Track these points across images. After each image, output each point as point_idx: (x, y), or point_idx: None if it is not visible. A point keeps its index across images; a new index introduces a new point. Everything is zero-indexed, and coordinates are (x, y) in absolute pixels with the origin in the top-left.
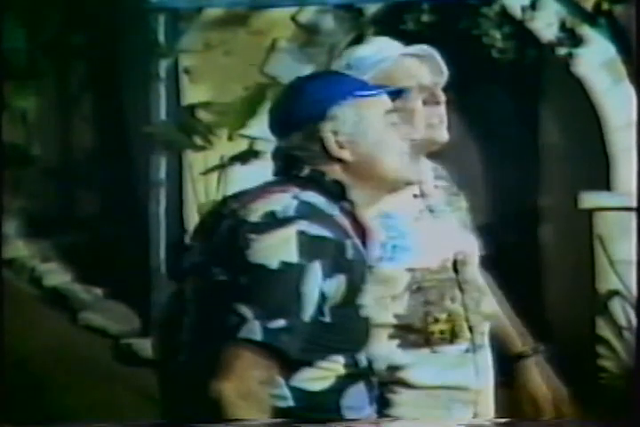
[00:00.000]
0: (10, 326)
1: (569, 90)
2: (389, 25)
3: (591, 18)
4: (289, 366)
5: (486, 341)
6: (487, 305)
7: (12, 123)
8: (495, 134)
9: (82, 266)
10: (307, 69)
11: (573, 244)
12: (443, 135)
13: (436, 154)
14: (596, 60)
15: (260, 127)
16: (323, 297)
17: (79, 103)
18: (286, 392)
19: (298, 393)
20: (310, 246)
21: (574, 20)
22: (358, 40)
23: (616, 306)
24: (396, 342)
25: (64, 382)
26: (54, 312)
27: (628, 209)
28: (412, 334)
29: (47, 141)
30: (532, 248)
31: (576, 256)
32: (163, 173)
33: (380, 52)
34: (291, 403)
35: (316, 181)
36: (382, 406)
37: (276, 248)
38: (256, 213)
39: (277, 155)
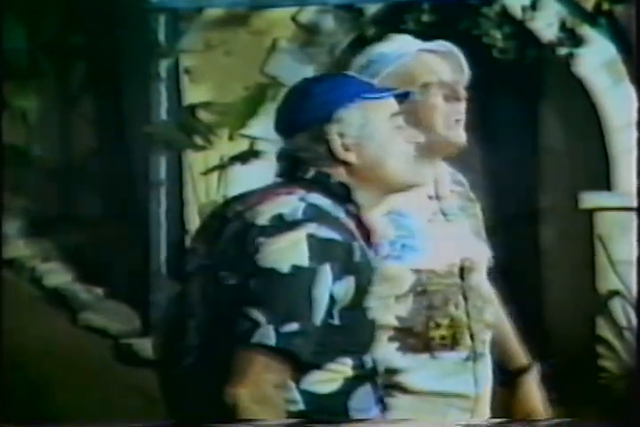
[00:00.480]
0: (10, 326)
1: (569, 90)
2: (390, 25)
3: (591, 18)
4: (300, 369)
5: (487, 350)
6: (490, 314)
7: (12, 123)
8: (495, 134)
9: (82, 266)
10: (307, 69)
11: (573, 244)
12: (461, 137)
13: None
14: (596, 60)
15: (260, 127)
16: (332, 300)
17: (79, 103)
18: (297, 396)
19: (307, 396)
20: (320, 249)
21: (575, 20)
22: (359, 40)
23: (616, 306)
24: (396, 345)
25: (64, 382)
26: (54, 312)
27: (628, 209)
28: (412, 338)
29: (47, 141)
30: (532, 248)
31: (576, 256)
32: (163, 173)
33: (401, 48)
34: (301, 407)
35: (322, 184)
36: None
37: (287, 252)
38: (263, 215)
39: (282, 156)
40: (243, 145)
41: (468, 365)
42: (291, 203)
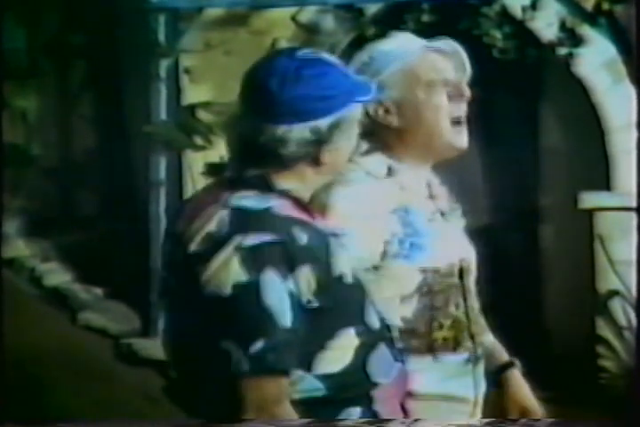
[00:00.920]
0: (10, 326)
1: (569, 90)
2: (390, 25)
3: (591, 18)
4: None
5: (482, 352)
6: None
7: (12, 123)
8: (495, 134)
9: (82, 266)
10: None
11: (573, 244)
12: (463, 142)
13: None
14: (596, 60)
15: None
16: (292, 296)
17: (79, 103)
18: (316, 383)
19: (326, 380)
20: (253, 259)
21: (575, 19)
22: (359, 40)
23: (616, 306)
24: (399, 347)
25: (64, 381)
26: (54, 312)
27: (628, 209)
28: (416, 339)
29: (47, 141)
30: (532, 248)
31: (576, 256)
32: (163, 173)
33: (404, 46)
34: (324, 391)
35: (238, 180)
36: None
37: (223, 273)
38: (196, 238)
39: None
40: None
41: (469, 367)
42: (216, 215)
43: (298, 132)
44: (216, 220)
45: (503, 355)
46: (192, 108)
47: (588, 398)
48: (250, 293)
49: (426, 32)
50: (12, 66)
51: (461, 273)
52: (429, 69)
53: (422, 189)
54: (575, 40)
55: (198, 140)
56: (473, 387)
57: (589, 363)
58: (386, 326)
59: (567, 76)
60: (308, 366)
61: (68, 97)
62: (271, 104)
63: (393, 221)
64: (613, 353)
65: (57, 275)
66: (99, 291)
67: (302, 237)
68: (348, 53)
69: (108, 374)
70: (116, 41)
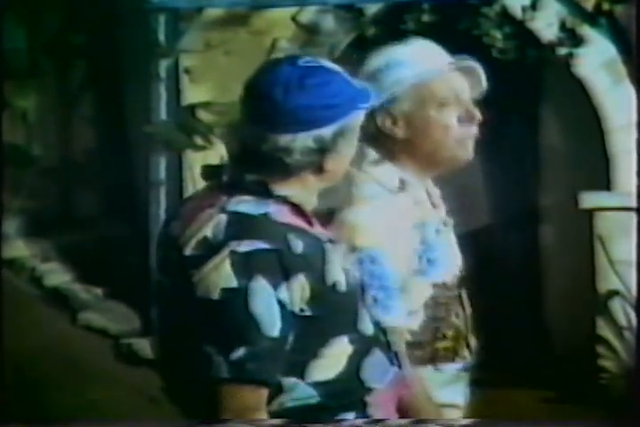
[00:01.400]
0: (10, 326)
1: (569, 90)
2: (390, 25)
3: (592, 18)
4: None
5: (474, 358)
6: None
7: (12, 123)
8: (495, 134)
9: (82, 266)
10: None
11: (573, 244)
12: (468, 154)
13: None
14: (596, 61)
15: None
16: (284, 305)
17: (79, 103)
18: (309, 391)
19: (320, 387)
20: (245, 265)
21: (575, 20)
22: (359, 40)
23: (616, 306)
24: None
25: (64, 381)
26: (54, 312)
27: (628, 209)
28: (419, 350)
29: (47, 141)
30: (532, 248)
31: (576, 256)
32: (163, 173)
33: (423, 59)
34: (318, 399)
35: (238, 185)
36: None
37: (214, 277)
38: (191, 242)
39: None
40: None
41: (463, 375)
42: (213, 220)
43: (301, 140)
44: (212, 224)
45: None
46: (192, 109)
47: (588, 398)
48: (238, 298)
49: (426, 32)
50: (12, 66)
51: (460, 282)
52: (445, 88)
53: (427, 201)
54: (575, 40)
55: (198, 141)
56: (463, 393)
57: (589, 363)
58: (381, 330)
59: (567, 76)
60: (301, 373)
61: (68, 97)
62: (275, 113)
63: (414, 237)
64: (613, 353)
65: (57, 275)
66: (99, 291)
67: (298, 245)
68: (348, 53)
69: (108, 374)
70: (116, 41)
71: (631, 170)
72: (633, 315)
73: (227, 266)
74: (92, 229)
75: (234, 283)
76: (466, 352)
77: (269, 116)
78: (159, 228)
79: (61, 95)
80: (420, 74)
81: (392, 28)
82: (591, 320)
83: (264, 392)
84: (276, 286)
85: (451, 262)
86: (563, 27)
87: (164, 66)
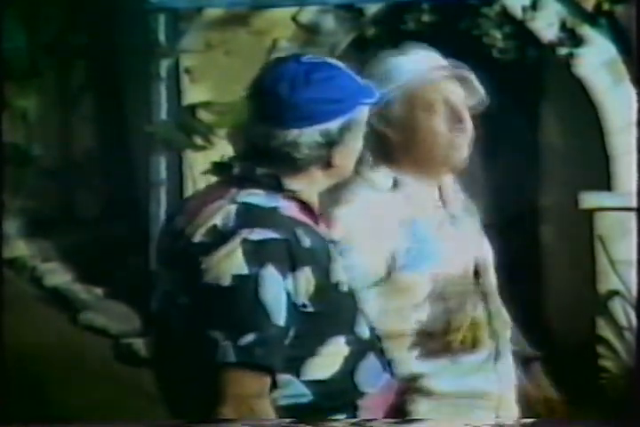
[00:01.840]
0: (10, 326)
1: (569, 90)
2: (390, 25)
3: (592, 18)
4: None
5: (508, 347)
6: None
7: (12, 122)
8: (495, 134)
9: (82, 266)
10: None
11: (573, 244)
12: (461, 159)
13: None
14: (596, 61)
15: None
16: (289, 296)
17: (79, 103)
18: (302, 389)
19: (313, 386)
20: (257, 253)
21: (575, 20)
22: (359, 40)
23: (616, 306)
24: (417, 351)
25: (64, 381)
26: (55, 312)
27: (628, 209)
28: (433, 342)
29: (47, 141)
30: (532, 248)
31: (576, 256)
32: (163, 173)
33: (420, 67)
34: (310, 398)
35: (249, 178)
36: (403, 415)
37: (224, 264)
38: (200, 230)
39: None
40: None
41: (490, 364)
42: (222, 209)
43: (309, 135)
44: (222, 214)
45: (526, 347)
46: (192, 108)
47: (588, 398)
48: (248, 285)
49: (426, 32)
50: (12, 66)
51: (477, 274)
52: (435, 94)
53: (430, 198)
54: (575, 40)
55: (198, 141)
56: (496, 382)
57: (589, 363)
58: (375, 337)
59: (567, 76)
60: (296, 371)
61: (67, 97)
62: (281, 109)
63: (399, 234)
64: (613, 353)
65: (57, 275)
66: (99, 291)
67: (306, 240)
68: (349, 54)
69: (108, 374)
70: (116, 41)
71: (631, 170)
72: (633, 315)
73: (238, 253)
74: (93, 229)
75: (245, 270)
76: (488, 341)
77: (276, 111)
78: (161, 224)
79: (61, 95)
80: (413, 79)
81: (392, 28)
82: (591, 320)
83: (267, 380)
84: (284, 276)
85: (454, 255)
86: (563, 27)
87: (164, 66)
